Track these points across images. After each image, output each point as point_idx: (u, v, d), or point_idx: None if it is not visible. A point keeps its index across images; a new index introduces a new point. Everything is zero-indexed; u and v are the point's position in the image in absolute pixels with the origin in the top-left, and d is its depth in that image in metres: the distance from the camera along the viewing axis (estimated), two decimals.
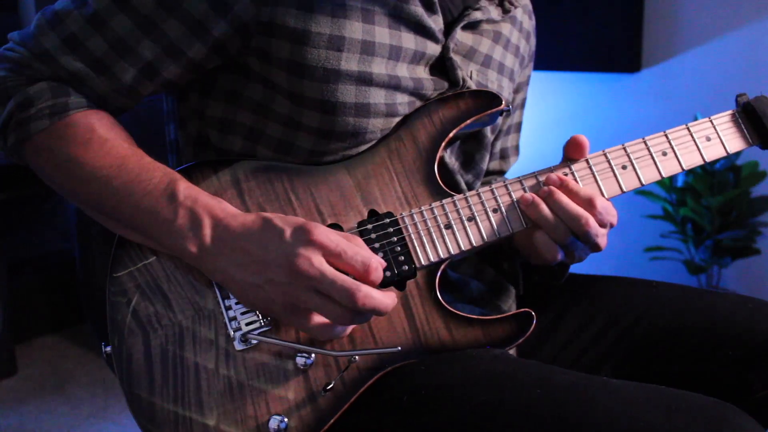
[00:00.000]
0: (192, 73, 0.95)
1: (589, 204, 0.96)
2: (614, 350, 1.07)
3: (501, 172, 1.27)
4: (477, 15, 1.04)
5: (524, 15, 1.17)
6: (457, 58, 1.02)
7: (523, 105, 1.27)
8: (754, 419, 0.81)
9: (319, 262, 0.82)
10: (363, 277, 0.83)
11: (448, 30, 1.03)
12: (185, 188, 0.88)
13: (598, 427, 0.77)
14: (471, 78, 1.04)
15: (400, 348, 0.89)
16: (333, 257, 0.83)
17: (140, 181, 0.88)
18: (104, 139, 0.91)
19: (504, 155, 1.26)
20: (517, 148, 1.28)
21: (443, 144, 0.99)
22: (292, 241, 0.83)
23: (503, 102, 1.00)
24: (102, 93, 0.94)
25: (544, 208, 0.96)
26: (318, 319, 0.85)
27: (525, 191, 0.98)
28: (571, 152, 1.00)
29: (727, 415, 0.79)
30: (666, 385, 0.85)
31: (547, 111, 2.90)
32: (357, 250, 0.84)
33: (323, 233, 0.83)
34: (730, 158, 2.47)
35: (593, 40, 2.76)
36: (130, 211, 0.89)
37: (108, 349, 0.90)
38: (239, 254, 0.85)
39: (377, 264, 0.84)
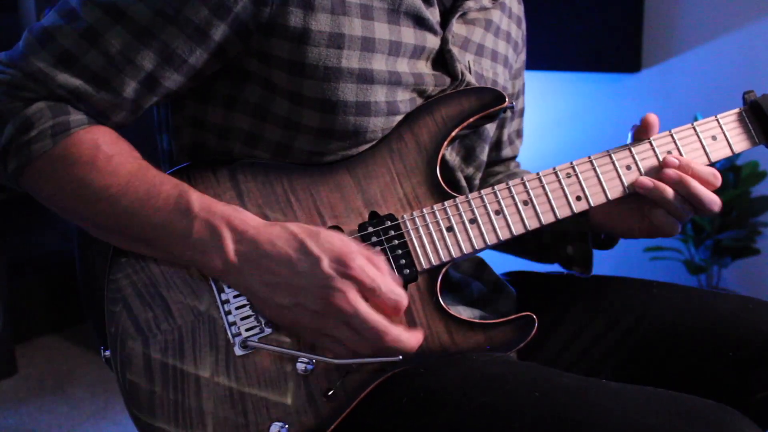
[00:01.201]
0: (193, 81, 0.93)
1: (714, 178, 0.99)
2: (614, 351, 1.07)
3: (513, 158, 1.31)
4: (470, 4, 1.04)
5: (513, 0, 1.17)
6: (455, 50, 1.02)
7: (522, 91, 1.29)
8: (754, 423, 0.81)
9: (354, 298, 0.83)
10: (392, 314, 0.85)
11: (444, 22, 1.02)
12: (198, 199, 0.87)
13: (597, 430, 0.77)
14: (469, 69, 1.04)
15: (401, 357, 0.89)
16: (367, 292, 0.84)
17: (150, 197, 0.87)
18: (109, 156, 0.88)
19: (511, 141, 1.28)
20: (520, 131, 1.31)
21: (445, 143, 0.98)
22: (330, 272, 0.83)
23: (506, 99, 1.00)
24: (102, 108, 0.90)
25: (670, 192, 0.98)
26: (340, 345, 0.87)
27: (528, 193, 0.97)
28: (642, 132, 1.02)
29: (727, 419, 0.79)
30: (666, 385, 0.86)
31: (547, 111, 2.89)
32: (391, 287, 0.85)
33: (360, 267, 0.84)
34: (731, 158, 2.47)
35: (593, 40, 2.75)
36: (142, 228, 0.87)
37: (107, 353, 0.89)
38: (267, 274, 0.85)
39: (406, 301, 0.86)
